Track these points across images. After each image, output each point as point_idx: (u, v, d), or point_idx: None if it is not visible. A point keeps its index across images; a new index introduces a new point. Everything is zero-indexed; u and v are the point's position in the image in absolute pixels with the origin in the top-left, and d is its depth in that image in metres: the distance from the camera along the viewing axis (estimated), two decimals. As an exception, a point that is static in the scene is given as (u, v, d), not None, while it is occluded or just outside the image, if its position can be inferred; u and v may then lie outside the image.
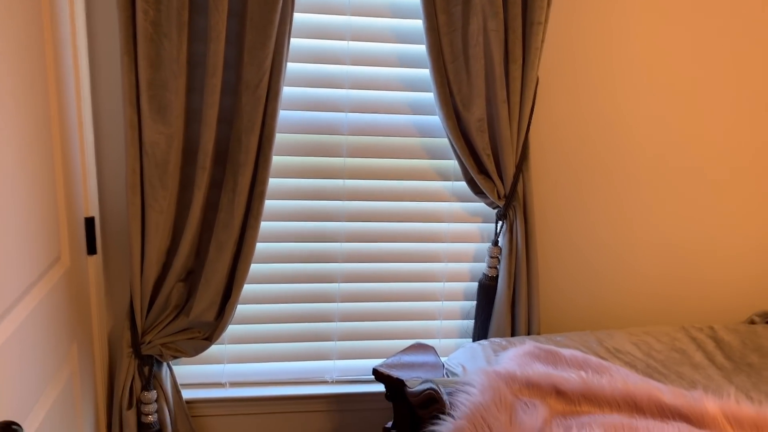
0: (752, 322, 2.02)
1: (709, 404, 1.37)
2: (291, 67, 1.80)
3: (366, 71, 1.86)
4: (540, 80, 1.88)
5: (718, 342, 1.82)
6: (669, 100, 1.99)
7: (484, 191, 1.87)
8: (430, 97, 1.88)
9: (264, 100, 1.65)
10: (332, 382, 2.08)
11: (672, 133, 2.02)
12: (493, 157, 1.84)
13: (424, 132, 1.92)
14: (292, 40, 1.79)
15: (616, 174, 2.03)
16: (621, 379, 1.46)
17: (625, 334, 1.85)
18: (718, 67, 1.99)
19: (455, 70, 1.76)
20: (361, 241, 1.97)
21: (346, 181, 1.92)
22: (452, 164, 1.94)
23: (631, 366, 1.65)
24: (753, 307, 2.15)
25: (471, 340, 2.06)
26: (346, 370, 2.08)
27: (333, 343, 2.05)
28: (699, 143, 2.04)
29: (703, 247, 2.12)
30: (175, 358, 1.79)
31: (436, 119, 1.89)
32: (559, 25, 1.89)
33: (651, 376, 1.60)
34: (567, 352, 1.61)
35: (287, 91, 1.82)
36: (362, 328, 2.04)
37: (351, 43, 1.83)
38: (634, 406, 1.39)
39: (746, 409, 1.38)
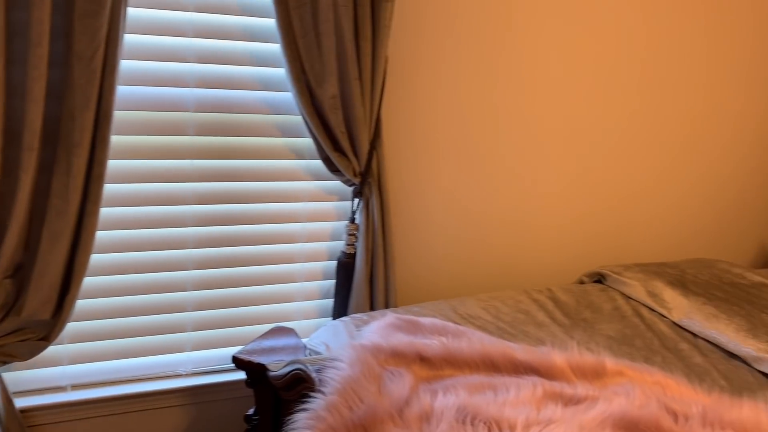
0: (582, 282, 2.23)
1: (556, 357, 1.49)
2: (130, 38, 1.67)
3: (212, 44, 1.77)
4: (390, 58, 1.91)
5: (556, 302, 1.98)
6: (511, 83, 2.12)
7: (340, 169, 1.87)
8: (282, 73, 1.83)
9: (100, 74, 1.51)
10: (187, 375, 1.97)
11: (514, 112, 2.16)
12: (348, 135, 1.84)
13: (276, 109, 1.87)
14: (130, 10, 1.65)
15: (464, 150, 2.13)
16: (478, 341, 1.54)
17: (475, 301, 1.95)
18: (558, 49, 2.15)
19: (306, 46, 1.73)
20: (212, 224, 1.88)
21: (195, 161, 1.82)
22: (307, 142, 1.92)
23: (484, 329, 1.75)
24: (581, 269, 2.37)
25: (331, 318, 2.06)
26: (203, 360, 1.99)
27: (187, 334, 1.94)
28: (534, 123, 2.20)
29: (538, 218, 2.30)
30: (6, 363, 1.60)
31: (289, 96, 1.85)
32: (409, 2, 1.93)
33: (502, 337, 1.70)
34: (426, 320, 1.67)
35: (126, 64, 1.68)
36: (218, 316, 1.96)
37: (195, 14, 1.73)
38: (491, 365, 1.47)
39: (587, 358, 1.52)
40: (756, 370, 1.66)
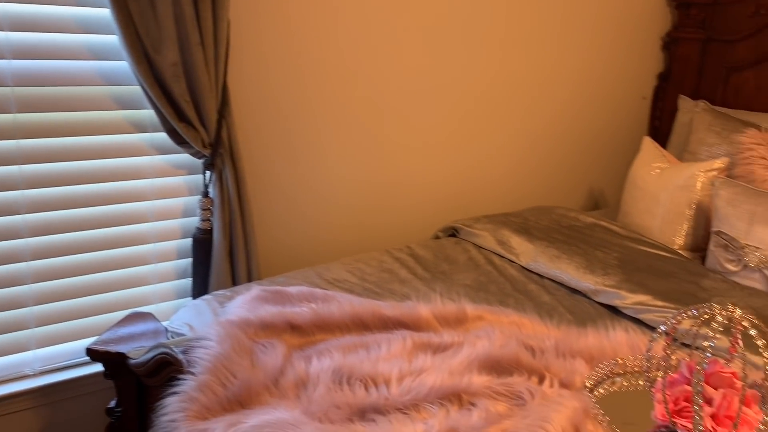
0: (438, 237, 2.32)
1: (422, 309, 1.56)
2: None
3: (27, 9, 1.58)
4: (233, 22, 1.82)
5: (416, 258, 2.05)
6: (361, 40, 2.12)
7: (188, 140, 1.78)
8: (113, 40, 1.69)
9: None
10: (35, 375, 1.81)
11: (367, 74, 2.17)
12: (193, 104, 1.75)
13: (111, 80, 1.73)
14: None
15: (318, 114, 2.11)
16: (347, 303, 1.56)
17: (339, 265, 1.97)
18: (414, 9, 2.17)
19: (140, 10, 1.61)
20: (48, 210, 1.72)
21: (20, 141, 1.64)
22: (149, 114, 1.79)
23: (351, 292, 1.77)
24: (436, 225, 2.46)
25: (191, 298, 1.98)
26: (52, 357, 1.83)
27: (30, 331, 1.77)
28: (389, 86, 2.23)
29: (397, 179, 2.36)
30: None
31: (124, 65, 1.71)
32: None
33: (369, 297, 1.73)
34: (293, 289, 1.65)
35: None
36: (66, 308, 1.81)
37: (4, -25, 1.54)
38: (362, 324, 1.50)
39: (449, 307, 1.60)
40: (595, 301, 1.84)
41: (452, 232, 2.31)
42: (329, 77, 2.11)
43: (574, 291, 1.89)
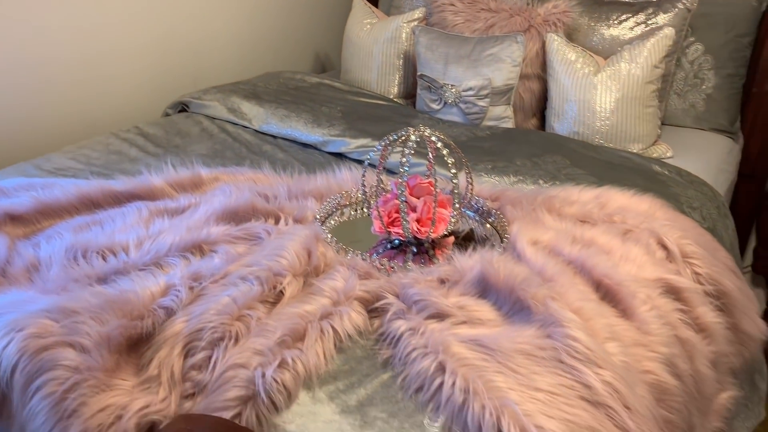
0: (167, 115, 2.27)
1: (155, 179, 1.56)
2: None
3: None
4: None
5: (146, 136, 2.00)
6: None
7: None
8: None
9: None
10: None
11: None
12: None
13: None
14: None
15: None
16: (72, 186, 1.49)
17: (61, 154, 1.84)
18: None
19: None
20: None
21: None
22: None
23: (76, 178, 1.68)
24: (165, 102, 2.38)
25: None
26: None
27: None
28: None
29: (112, 56, 2.20)
30: None
31: None
32: None
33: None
34: (7, 182, 1.53)
35: None
36: None
37: None
38: (92, 204, 1.46)
39: (183, 174, 1.62)
40: (325, 152, 1.99)
41: (182, 108, 2.27)
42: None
43: (306, 145, 2.02)
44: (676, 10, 2.13)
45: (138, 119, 2.28)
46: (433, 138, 1.35)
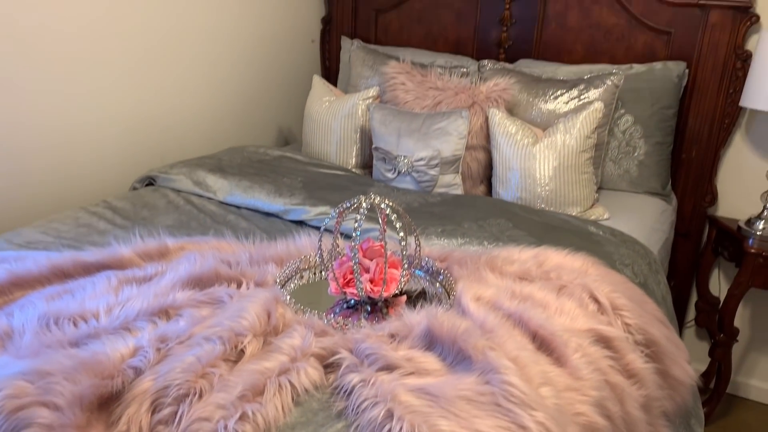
0: (135, 189, 2.37)
1: (123, 250, 1.65)
2: None
3: None
4: None
5: (114, 209, 2.09)
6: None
7: None
8: None
9: None
10: None
11: (36, 21, 2.06)
12: None
13: None
14: None
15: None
16: (44, 258, 1.57)
17: (32, 228, 1.92)
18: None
19: None
20: None
21: None
22: None
23: (47, 251, 1.76)
24: (133, 178, 2.49)
25: None
26: None
27: None
28: (65, 36, 2.15)
29: (82, 134, 2.31)
30: None
31: None
32: None
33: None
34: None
35: None
36: None
37: None
38: (63, 274, 1.54)
39: (150, 244, 1.71)
40: (286, 220, 2.11)
41: (149, 182, 2.38)
42: (-18, 35, 1.97)
43: (268, 214, 2.14)
44: (605, 86, 2.35)
45: (106, 193, 2.38)
46: (383, 205, 1.49)
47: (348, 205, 1.52)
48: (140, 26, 2.43)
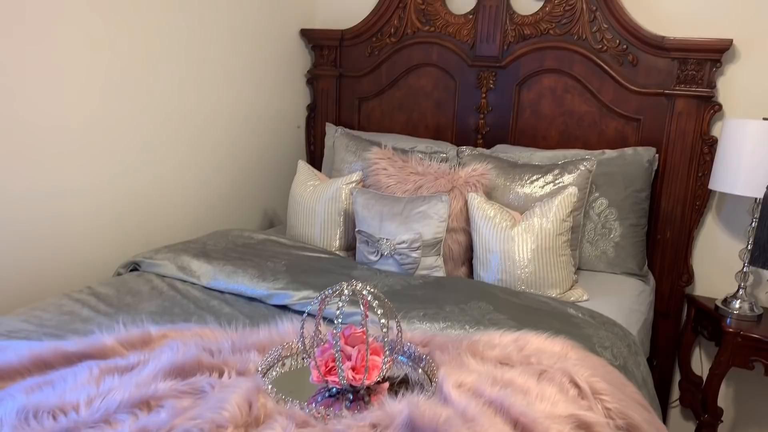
0: (119, 274, 2.38)
1: (106, 339, 1.65)
2: None
3: None
4: None
5: (98, 296, 2.10)
6: (23, 62, 2.08)
7: None
8: None
9: None
10: None
11: (24, 106, 2.13)
12: None
13: None
14: None
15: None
16: (25, 348, 1.57)
17: (14, 317, 1.92)
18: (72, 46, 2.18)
19: None
20: None
21: None
22: None
23: (29, 339, 1.76)
24: (118, 261, 2.51)
25: None
26: None
27: None
28: (57, 121, 2.21)
29: (67, 220, 2.34)
30: None
31: None
32: None
33: (50, 341, 1.74)
34: (-39, 346, 1.59)
35: None
36: None
37: None
38: (44, 365, 1.53)
39: (133, 332, 1.71)
40: (270, 304, 2.12)
41: (134, 267, 2.39)
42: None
43: (252, 299, 2.16)
44: (579, 171, 2.45)
45: (90, 279, 2.39)
46: (364, 292, 1.51)
47: (330, 291, 1.54)
48: (128, 113, 2.52)
